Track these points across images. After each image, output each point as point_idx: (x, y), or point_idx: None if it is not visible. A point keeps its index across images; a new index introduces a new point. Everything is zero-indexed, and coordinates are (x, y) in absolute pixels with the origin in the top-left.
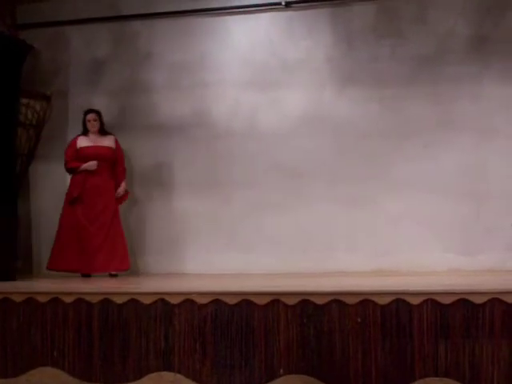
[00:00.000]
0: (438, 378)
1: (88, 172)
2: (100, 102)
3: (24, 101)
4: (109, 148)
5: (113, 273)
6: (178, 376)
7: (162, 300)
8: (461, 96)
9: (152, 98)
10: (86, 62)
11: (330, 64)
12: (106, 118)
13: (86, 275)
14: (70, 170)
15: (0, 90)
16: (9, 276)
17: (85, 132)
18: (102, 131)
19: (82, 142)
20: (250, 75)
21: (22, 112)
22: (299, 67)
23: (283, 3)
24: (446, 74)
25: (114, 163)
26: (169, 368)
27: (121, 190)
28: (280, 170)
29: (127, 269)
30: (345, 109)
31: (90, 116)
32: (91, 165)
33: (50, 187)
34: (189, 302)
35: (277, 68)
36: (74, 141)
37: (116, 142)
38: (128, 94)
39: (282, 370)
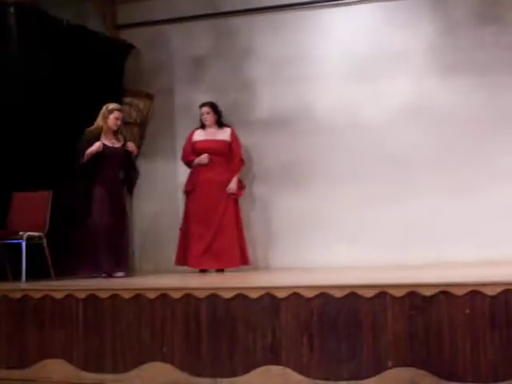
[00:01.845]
0: None
1: (201, 166)
2: (203, 99)
3: (127, 100)
4: (222, 141)
5: (219, 269)
6: (287, 370)
7: (269, 294)
8: None
9: (254, 93)
10: (188, 59)
11: (433, 53)
12: None
13: (203, 270)
14: (186, 164)
15: (103, 89)
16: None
17: (202, 125)
18: (220, 123)
19: (197, 136)
20: (352, 67)
21: (125, 111)
22: (401, 57)
23: None
24: None
25: (229, 157)
26: (277, 362)
27: (232, 185)
28: (384, 163)
29: (238, 266)
30: (448, 98)
31: (203, 109)
32: (202, 158)
33: (155, 184)
34: (295, 296)
35: (378, 59)
36: (191, 134)
37: (233, 134)
38: (230, 89)
39: (390, 363)
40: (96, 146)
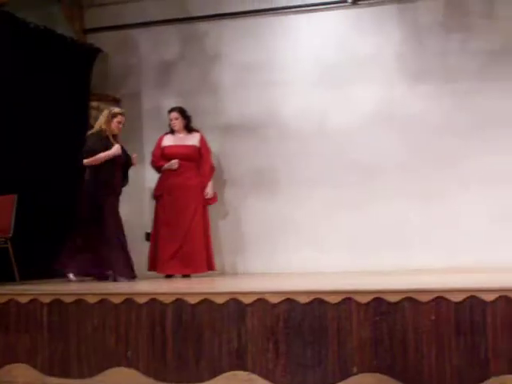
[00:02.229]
0: None
1: (170, 171)
2: (170, 103)
3: (94, 104)
4: (191, 146)
5: (186, 274)
6: (252, 375)
7: (235, 299)
8: None
9: (222, 98)
10: (156, 63)
11: (400, 60)
12: None
13: (169, 275)
14: (155, 169)
15: (70, 93)
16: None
17: (171, 131)
18: (188, 129)
19: (166, 141)
20: (320, 73)
21: (92, 115)
22: (368, 64)
23: (350, 0)
24: None
25: (198, 162)
26: (243, 367)
27: (209, 190)
28: (352, 168)
29: (205, 271)
30: (416, 104)
31: (172, 115)
32: (172, 164)
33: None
34: (261, 302)
35: (346, 66)
36: (160, 140)
37: (202, 139)
38: (197, 94)
39: (355, 369)
40: (115, 149)
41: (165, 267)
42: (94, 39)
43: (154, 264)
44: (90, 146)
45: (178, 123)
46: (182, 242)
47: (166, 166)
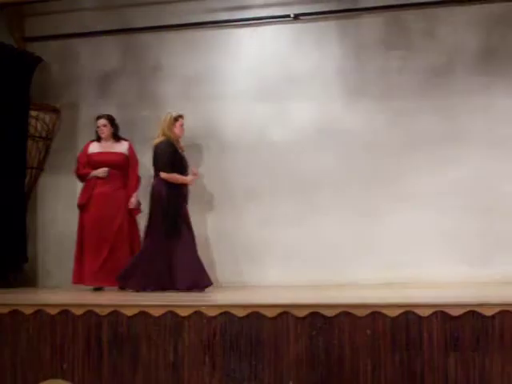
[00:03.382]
0: None
1: (97, 179)
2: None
3: (33, 113)
4: (119, 154)
5: (111, 287)
6: None
7: (171, 312)
8: (470, 108)
9: (162, 111)
10: (96, 74)
11: (339, 76)
12: None
13: (98, 288)
14: (79, 177)
15: (9, 102)
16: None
17: (98, 138)
18: (116, 137)
19: (93, 148)
20: (260, 88)
21: (31, 124)
22: (308, 80)
23: (292, 15)
24: (455, 87)
25: (126, 171)
26: (178, 381)
27: (133, 200)
28: (289, 183)
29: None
30: (354, 121)
31: (100, 122)
32: (100, 172)
33: (59, 199)
34: (198, 315)
35: (286, 80)
36: (86, 147)
37: (130, 148)
38: (137, 106)
39: (291, 383)
40: (191, 178)
41: (92, 279)
42: (34, 48)
43: (79, 276)
44: (169, 159)
45: (106, 130)
46: (108, 253)
47: (94, 173)
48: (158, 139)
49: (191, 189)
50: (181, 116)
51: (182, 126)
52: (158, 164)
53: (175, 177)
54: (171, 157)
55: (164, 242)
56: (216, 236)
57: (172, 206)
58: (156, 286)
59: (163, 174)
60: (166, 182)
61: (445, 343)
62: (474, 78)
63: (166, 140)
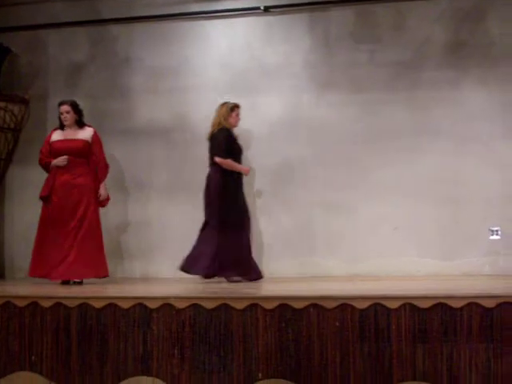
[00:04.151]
0: (415, 382)
1: (58, 168)
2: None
3: (1, 104)
4: (82, 141)
5: (76, 280)
6: (157, 381)
7: (141, 304)
8: (438, 101)
9: (131, 102)
10: (65, 65)
11: (309, 69)
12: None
13: (65, 282)
14: (43, 167)
15: None
16: None
17: (61, 126)
18: (80, 124)
19: (55, 136)
20: (229, 80)
21: (0, 115)
22: (278, 72)
23: (262, 8)
24: (423, 80)
25: (88, 158)
26: (147, 373)
27: (102, 191)
28: (259, 174)
29: (97, 277)
30: (323, 113)
31: (63, 108)
32: (60, 160)
33: (27, 191)
34: (167, 307)
35: (255, 73)
36: (49, 136)
37: (95, 135)
38: (106, 97)
39: (260, 375)
40: (246, 169)
41: (54, 273)
42: (2, 39)
43: (38, 269)
44: (226, 145)
45: (70, 117)
46: (71, 245)
47: (54, 162)
48: (214, 128)
49: (161, 180)
50: (237, 106)
51: (238, 115)
52: (214, 149)
53: (231, 163)
54: (228, 143)
55: (234, 232)
56: (183, 227)
57: (230, 196)
58: (243, 276)
59: (218, 159)
60: (222, 170)
61: (413, 335)
62: (443, 71)
63: (223, 127)
